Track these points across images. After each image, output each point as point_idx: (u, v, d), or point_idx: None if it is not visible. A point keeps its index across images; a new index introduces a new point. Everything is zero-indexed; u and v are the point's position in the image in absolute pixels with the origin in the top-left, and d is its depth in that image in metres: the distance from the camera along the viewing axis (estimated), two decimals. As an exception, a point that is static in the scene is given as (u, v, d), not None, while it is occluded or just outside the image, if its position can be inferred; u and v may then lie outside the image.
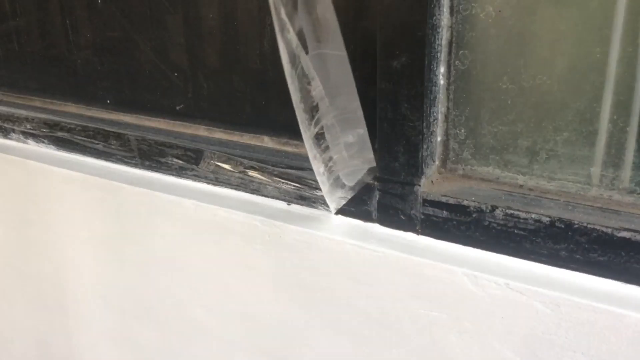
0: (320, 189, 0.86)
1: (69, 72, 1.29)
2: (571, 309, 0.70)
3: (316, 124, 0.76)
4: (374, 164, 0.85)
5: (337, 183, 0.84)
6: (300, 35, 0.69)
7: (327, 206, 0.90)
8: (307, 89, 0.73)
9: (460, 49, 0.79)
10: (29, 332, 1.50)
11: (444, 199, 0.81)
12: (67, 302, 1.35)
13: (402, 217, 0.86)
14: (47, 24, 1.29)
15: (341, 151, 0.80)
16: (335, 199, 0.87)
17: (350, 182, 0.84)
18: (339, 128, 0.78)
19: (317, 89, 0.73)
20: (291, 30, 0.68)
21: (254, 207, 0.98)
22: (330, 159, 0.80)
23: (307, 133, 0.77)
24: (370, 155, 0.84)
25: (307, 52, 0.71)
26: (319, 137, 0.78)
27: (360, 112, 0.80)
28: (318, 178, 0.84)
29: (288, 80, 0.73)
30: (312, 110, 0.75)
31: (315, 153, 0.79)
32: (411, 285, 0.82)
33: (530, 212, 0.75)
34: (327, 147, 0.79)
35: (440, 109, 0.82)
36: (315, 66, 0.72)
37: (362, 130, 0.81)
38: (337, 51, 0.74)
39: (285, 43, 0.69)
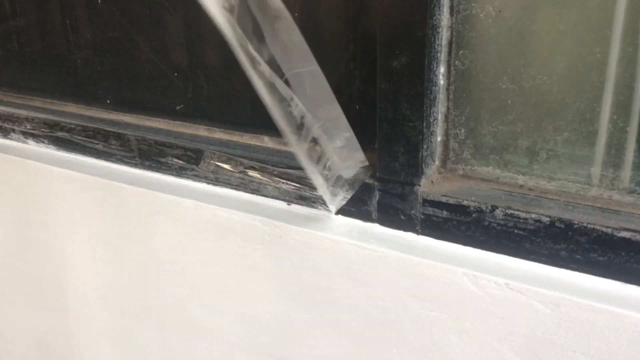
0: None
1: (69, 72, 1.29)
2: (571, 309, 0.70)
3: (305, 138, 0.77)
4: (367, 163, 0.86)
5: (336, 187, 0.85)
6: (272, 63, 0.71)
7: (327, 206, 0.90)
8: (288, 111, 0.75)
9: (460, 49, 0.79)
10: (29, 332, 1.50)
11: (444, 199, 0.81)
12: (67, 302, 1.35)
13: (402, 217, 0.86)
14: (47, 24, 1.29)
15: (332, 156, 0.82)
16: (336, 201, 0.88)
17: (347, 175, 0.85)
18: (326, 136, 0.80)
19: (297, 107, 0.74)
20: (262, 62, 0.69)
21: (254, 207, 0.98)
22: (325, 167, 0.81)
23: (301, 151, 0.79)
24: (361, 155, 0.85)
25: (282, 76, 0.72)
26: (311, 151, 0.80)
27: (343, 119, 0.81)
28: (319, 190, 0.85)
29: (270, 108, 0.74)
30: (299, 128, 0.77)
31: (312, 168, 0.81)
32: (411, 285, 0.82)
33: (530, 212, 0.75)
34: (319, 158, 0.80)
35: (440, 109, 0.82)
36: (292, 86, 0.74)
37: (349, 134, 0.83)
38: (310, 67, 0.75)
39: (259, 75, 0.70)
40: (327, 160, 0.81)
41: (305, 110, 0.75)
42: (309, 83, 0.76)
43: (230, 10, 0.64)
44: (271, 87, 0.71)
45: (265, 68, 0.69)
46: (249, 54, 0.68)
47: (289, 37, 0.71)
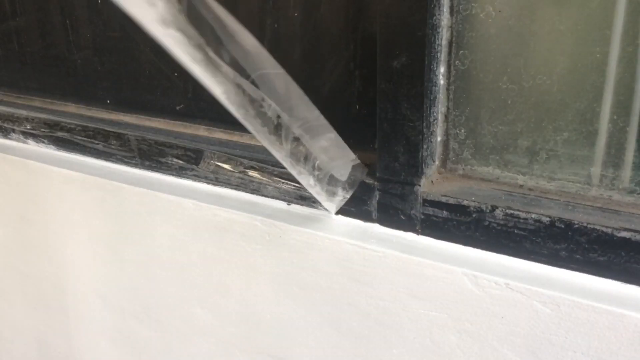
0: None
1: (69, 72, 1.29)
2: (571, 309, 0.70)
3: (286, 139, 0.75)
4: (358, 161, 0.86)
5: (332, 187, 0.84)
6: (235, 65, 0.68)
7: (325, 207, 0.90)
8: (262, 112, 0.72)
9: (460, 49, 0.79)
10: (29, 332, 1.50)
11: (444, 199, 0.81)
12: (67, 302, 1.35)
13: (402, 217, 0.86)
14: (47, 24, 1.29)
15: (319, 155, 0.80)
16: (335, 201, 0.88)
17: (341, 174, 0.84)
18: (309, 136, 0.78)
19: (270, 107, 0.72)
20: (223, 64, 0.67)
21: (254, 207, 0.98)
22: (314, 167, 0.80)
23: (281, 153, 0.77)
24: (350, 154, 0.84)
25: (248, 77, 0.70)
26: (295, 152, 0.77)
27: (323, 120, 0.79)
28: (311, 191, 0.84)
29: (239, 115, 0.71)
30: (277, 129, 0.74)
31: (299, 169, 0.79)
32: (411, 285, 0.82)
33: (530, 212, 0.75)
34: (306, 158, 0.78)
35: (440, 109, 0.82)
36: (261, 87, 0.71)
37: (333, 135, 0.81)
38: (275, 70, 0.73)
39: (224, 78, 0.67)
40: (315, 160, 0.80)
41: (280, 110, 0.73)
42: (278, 84, 0.73)
43: (180, 12, 0.62)
44: (238, 88, 0.68)
45: (228, 70, 0.66)
46: (210, 58, 0.66)
47: (246, 42, 0.69)
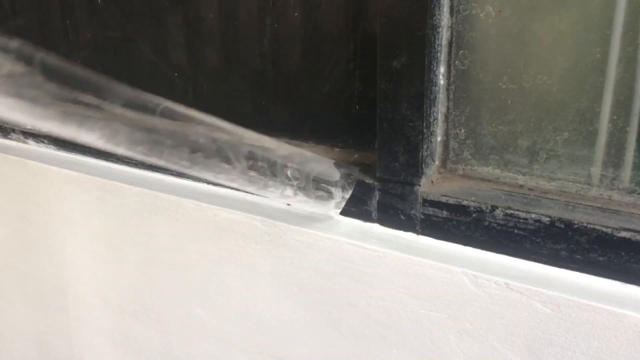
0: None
1: (69, 72, 1.29)
2: (571, 309, 0.70)
3: (237, 158, 0.72)
4: (334, 160, 0.85)
5: (324, 187, 0.84)
6: (132, 104, 0.64)
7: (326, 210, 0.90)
8: (190, 140, 0.68)
9: (460, 49, 0.79)
10: (29, 332, 1.50)
11: (444, 199, 0.81)
12: (67, 302, 1.35)
13: (402, 217, 0.86)
14: (47, 24, 1.29)
15: (287, 164, 0.76)
16: (333, 203, 0.87)
17: (332, 177, 0.83)
18: (260, 150, 0.74)
19: (198, 132, 0.68)
20: (118, 105, 0.63)
21: (254, 207, 0.98)
22: (288, 177, 0.77)
23: (233, 172, 0.73)
24: (322, 157, 0.83)
25: (154, 112, 0.66)
26: (255, 168, 0.73)
27: (267, 138, 0.76)
28: (291, 201, 0.80)
29: (139, 150, 0.66)
30: (219, 151, 0.70)
31: (264, 182, 0.75)
32: (411, 285, 0.82)
33: (530, 212, 0.75)
34: (273, 170, 0.75)
35: (440, 109, 0.82)
36: (173, 117, 0.67)
37: (287, 145, 0.78)
38: (173, 103, 0.69)
39: (122, 121, 0.63)
40: (285, 169, 0.76)
41: (210, 131, 0.68)
42: (190, 113, 0.69)
43: (33, 73, 0.59)
44: (151, 131, 0.64)
45: (125, 111, 0.64)
46: (85, 103, 0.62)
47: (121, 86, 0.66)
